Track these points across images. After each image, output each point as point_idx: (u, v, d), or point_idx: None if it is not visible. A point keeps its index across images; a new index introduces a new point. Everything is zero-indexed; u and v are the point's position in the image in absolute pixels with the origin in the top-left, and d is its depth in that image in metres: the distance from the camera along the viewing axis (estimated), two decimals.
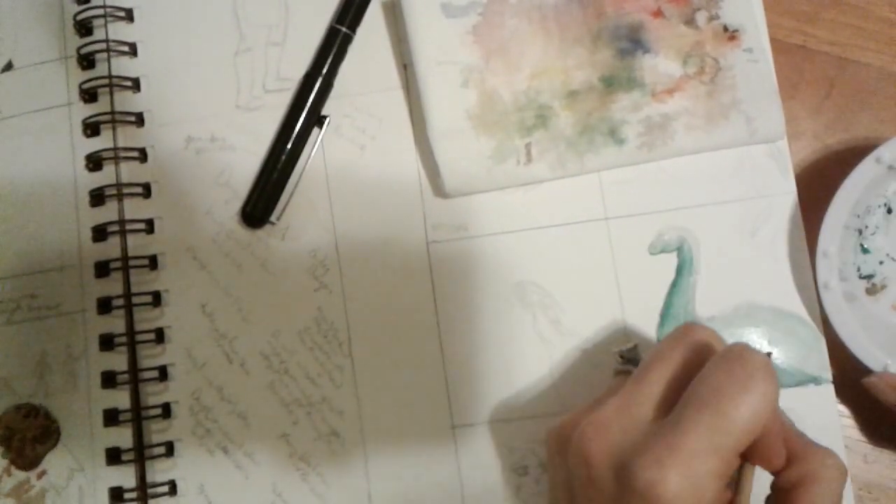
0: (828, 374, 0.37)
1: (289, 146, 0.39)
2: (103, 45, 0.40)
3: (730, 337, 0.37)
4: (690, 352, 0.29)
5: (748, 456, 0.27)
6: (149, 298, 0.39)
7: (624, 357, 0.34)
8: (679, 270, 0.38)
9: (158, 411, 0.38)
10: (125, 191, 0.40)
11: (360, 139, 0.40)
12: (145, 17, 0.41)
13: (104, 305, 0.39)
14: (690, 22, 0.38)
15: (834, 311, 0.35)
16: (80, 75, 0.41)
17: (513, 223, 0.39)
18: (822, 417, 0.36)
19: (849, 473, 0.36)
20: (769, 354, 0.31)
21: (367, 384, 0.38)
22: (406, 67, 0.40)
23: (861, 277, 0.37)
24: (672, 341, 0.29)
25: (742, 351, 0.26)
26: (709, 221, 0.38)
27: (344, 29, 0.39)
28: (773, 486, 0.29)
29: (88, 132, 0.40)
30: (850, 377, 0.36)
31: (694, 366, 0.28)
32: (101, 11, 0.41)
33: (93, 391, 0.38)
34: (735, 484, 0.27)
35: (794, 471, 0.28)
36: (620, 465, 0.26)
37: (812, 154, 0.39)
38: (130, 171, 0.40)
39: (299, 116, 0.39)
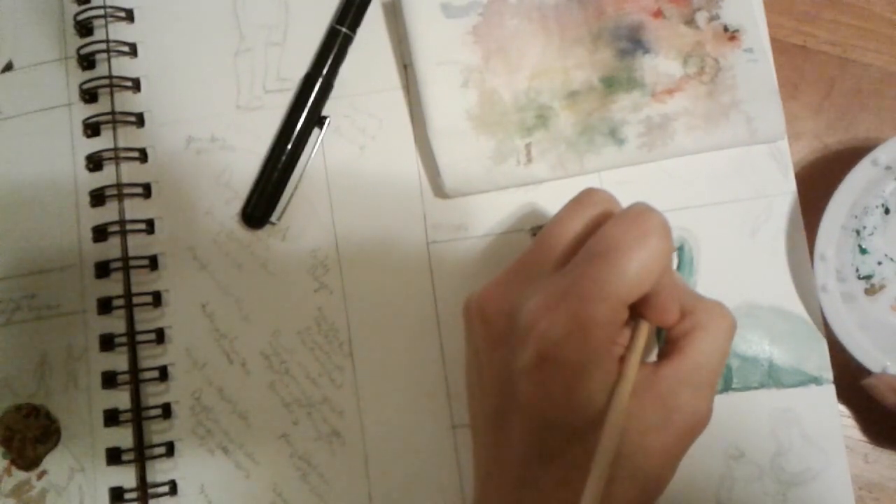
0: (828, 374, 0.37)
1: (289, 146, 0.39)
2: (103, 46, 0.40)
3: None
4: (589, 214, 0.29)
5: (642, 313, 0.27)
6: (149, 298, 0.39)
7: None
8: (679, 270, 0.38)
9: (159, 411, 0.38)
10: (125, 191, 0.40)
11: (360, 139, 0.40)
12: (145, 17, 0.41)
13: (104, 305, 0.39)
14: (690, 22, 0.38)
15: (832, 314, 0.35)
16: (80, 76, 0.41)
17: (513, 223, 0.39)
18: (823, 417, 0.36)
19: (849, 473, 0.36)
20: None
21: (367, 384, 0.38)
22: (406, 67, 0.40)
23: (860, 278, 0.37)
24: (572, 204, 0.29)
25: (641, 209, 0.26)
26: (709, 221, 0.38)
27: (344, 29, 0.39)
28: (666, 339, 0.28)
29: (89, 132, 0.40)
30: (850, 377, 0.36)
31: (592, 227, 0.28)
32: (101, 12, 0.41)
33: (93, 391, 0.38)
34: (629, 341, 0.27)
35: (684, 322, 0.28)
36: (512, 313, 0.26)
37: (812, 154, 0.39)
38: (131, 172, 0.40)
39: (299, 117, 0.39)
